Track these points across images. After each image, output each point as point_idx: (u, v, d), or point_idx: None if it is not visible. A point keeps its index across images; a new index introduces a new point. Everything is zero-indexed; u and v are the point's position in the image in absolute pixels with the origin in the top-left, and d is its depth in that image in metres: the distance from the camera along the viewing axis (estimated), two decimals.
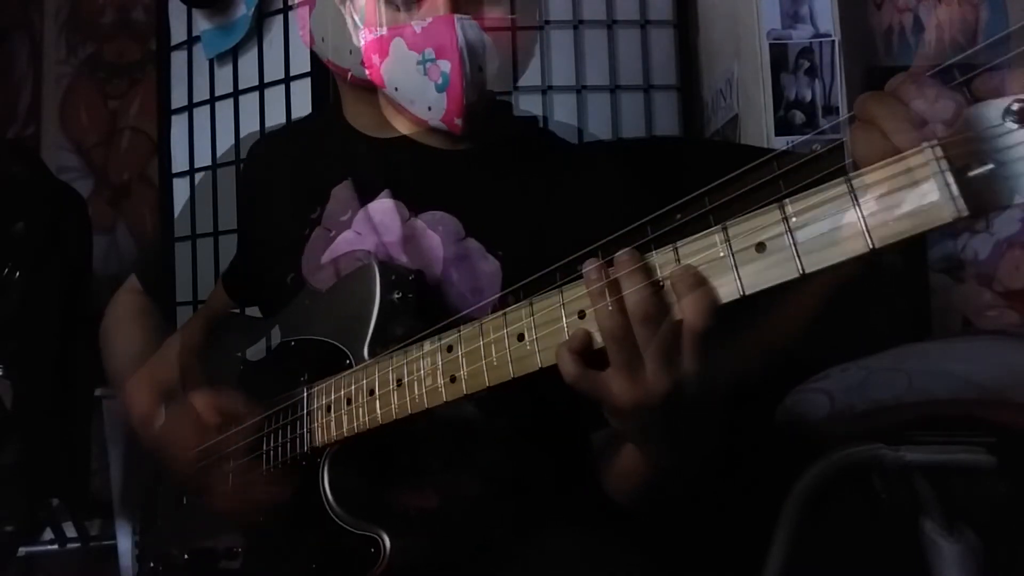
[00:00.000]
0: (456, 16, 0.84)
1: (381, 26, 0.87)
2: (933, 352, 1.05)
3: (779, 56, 1.45)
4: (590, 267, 0.62)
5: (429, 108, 0.87)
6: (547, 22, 1.70)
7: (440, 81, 0.85)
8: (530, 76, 1.68)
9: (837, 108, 1.43)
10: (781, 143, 1.43)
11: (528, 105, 1.65)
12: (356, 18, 0.91)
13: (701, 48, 1.76)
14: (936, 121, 0.51)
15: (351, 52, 0.93)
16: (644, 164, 1.19)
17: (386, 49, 0.87)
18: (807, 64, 1.44)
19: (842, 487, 0.92)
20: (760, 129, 1.46)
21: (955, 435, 0.88)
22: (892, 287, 1.28)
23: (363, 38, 0.90)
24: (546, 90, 1.69)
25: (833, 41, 1.44)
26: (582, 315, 0.64)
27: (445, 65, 0.84)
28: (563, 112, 1.69)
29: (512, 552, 0.82)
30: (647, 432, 0.69)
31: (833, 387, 1.02)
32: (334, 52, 0.95)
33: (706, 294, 0.57)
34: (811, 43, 1.44)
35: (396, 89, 0.89)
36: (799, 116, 1.44)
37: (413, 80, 0.86)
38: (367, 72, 0.91)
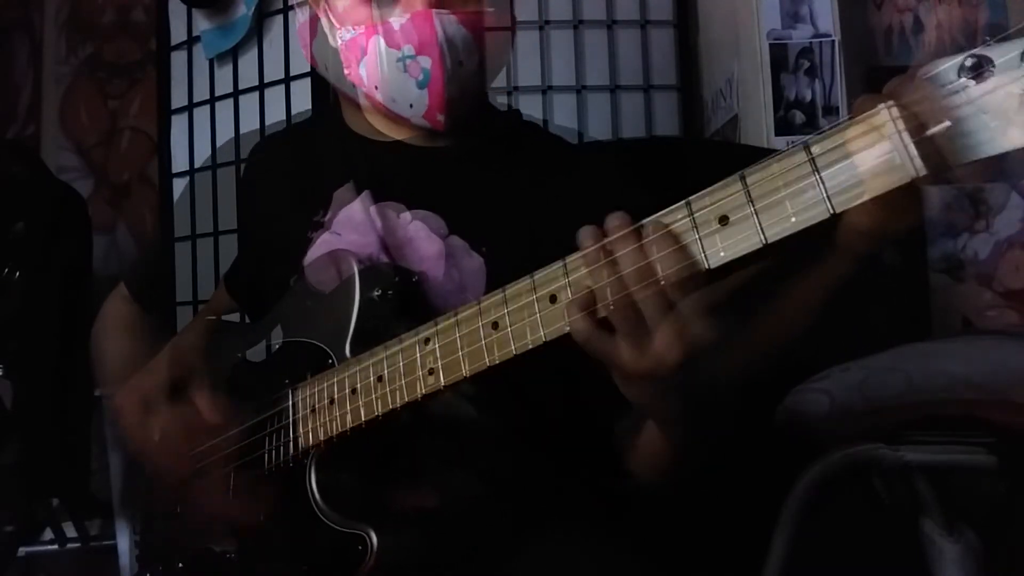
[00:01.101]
0: (435, 11, 0.84)
1: (359, 25, 0.87)
2: (933, 352, 1.05)
3: (779, 56, 1.45)
4: (586, 233, 0.61)
5: (411, 105, 0.87)
6: (547, 22, 1.70)
7: (421, 77, 0.85)
8: (530, 76, 1.69)
9: (837, 108, 1.43)
10: (781, 143, 1.43)
11: (528, 105, 1.65)
12: (332, 18, 0.91)
13: (701, 48, 1.76)
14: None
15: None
16: (644, 164, 1.19)
17: (365, 48, 0.87)
18: (807, 64, 1.44)
19: (842, 487, 0.92)
20: (760, 129, 1.46)
21: (955, 435, 0.88)
22: (892, 286, 1.28)
23: (340, 39, 0.90)
24: (546, 90, 1.69)
25: (833, 41, 1.44)
26: (553, 299, 0.63)
27: (425, 61, 0.84)
28: (563, 112, 1.69)
29: (508, 552, 0.82)
30: (663, 403, 0.68)
31: (833, 387, 1.02)
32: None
33: (681, 252, 0.57)
34: (811, 43, 1.44)
35: (376, 88, 0.88)
36: (799, 116, 1.44)
37: (394, 78, 0.86)
38: (346, 72, 0.90)
